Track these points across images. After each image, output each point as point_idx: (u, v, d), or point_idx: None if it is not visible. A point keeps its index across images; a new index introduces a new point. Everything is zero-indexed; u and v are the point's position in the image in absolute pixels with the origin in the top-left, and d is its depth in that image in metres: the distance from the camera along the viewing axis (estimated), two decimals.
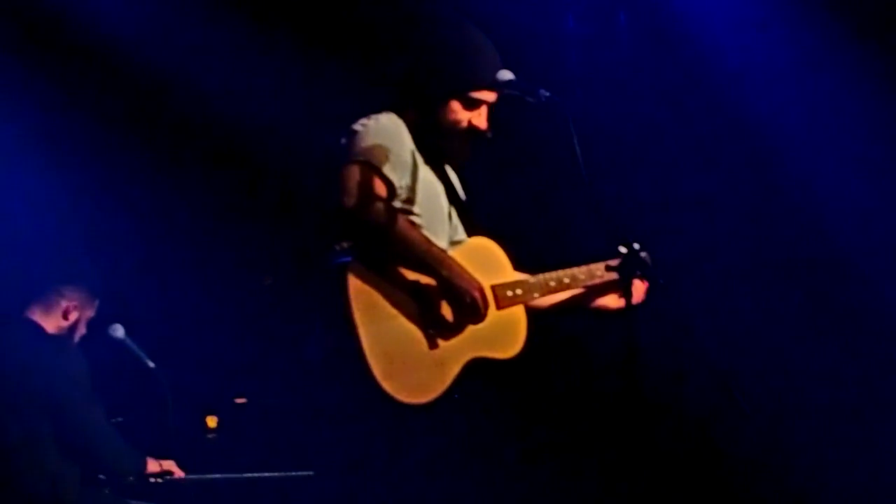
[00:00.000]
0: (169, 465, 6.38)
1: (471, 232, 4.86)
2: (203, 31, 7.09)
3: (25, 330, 6.02)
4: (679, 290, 4.62)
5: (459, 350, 4.56)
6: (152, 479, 6.31)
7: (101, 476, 6.07)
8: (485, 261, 4.73)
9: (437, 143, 4.74)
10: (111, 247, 6.97)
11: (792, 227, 7.12)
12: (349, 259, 4.45)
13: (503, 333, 4.68)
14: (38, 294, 6.10)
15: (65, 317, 6.09)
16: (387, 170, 4.53)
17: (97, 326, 6.32)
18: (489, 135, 4.77)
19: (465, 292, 4.53)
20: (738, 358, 6.42)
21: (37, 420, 5.87)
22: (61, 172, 6.99)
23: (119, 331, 6.52)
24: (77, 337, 6.16)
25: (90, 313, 6.20)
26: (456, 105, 4.71)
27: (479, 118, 4.74)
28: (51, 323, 6.08)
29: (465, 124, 4.72)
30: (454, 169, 4.91)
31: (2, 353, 5.96)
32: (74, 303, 6.10)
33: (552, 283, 4.83)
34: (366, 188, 4.45)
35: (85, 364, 5.99)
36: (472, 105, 4.72)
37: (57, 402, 5.87)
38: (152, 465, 6.30)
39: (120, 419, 6.27)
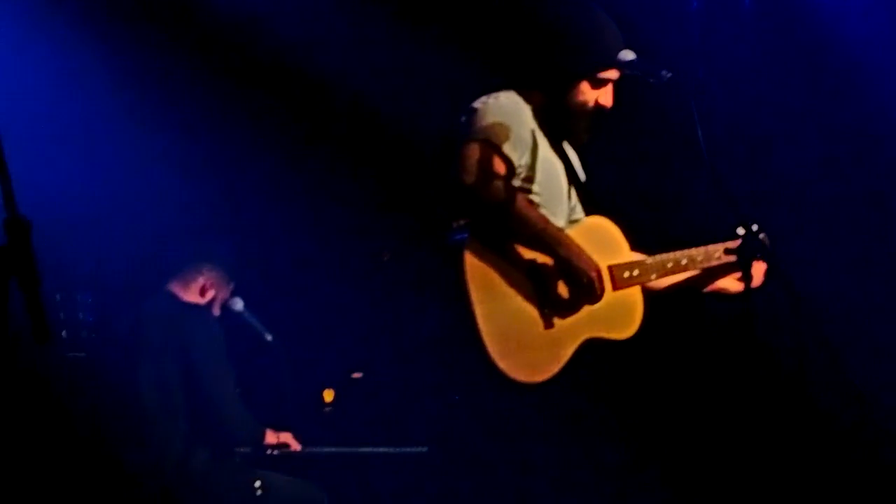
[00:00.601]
0: (286, 437, 6.45)
1: (589, 211, 4.84)
2: (324, 11, 7.13)
3: (166, 299, 6.16)
4: (799, 274, 4.56)
5: (575, 330, 4.55)
6: (269, 451, 6.39)
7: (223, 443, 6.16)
8: (602, 241, 4.71)
9: (563, 124, 4.73)
10: (231, 221, 7.05)
11: None
12: (466, 237, 4.45)
13: (619, 314, 4.66)
14: (179, 269, 6.25)
15: (202, 293, 6.23)
16: (507, 148, 4.53)
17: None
18: (608, 109, 4.75)
19: (583, 272, 4.52)
20: (858, 343, 6.32)
21: (173, 385, 6.00)
22: (188, 150, 7.08)
23: (238, 304, 6.61)
24: (216, 311, 6.30)
25: (225, 294, 6.33)
26: (585, 86, 4.70)
27: (606, 96, 4.72)
28: (189, 296, 6.21)
29: (592, 104, 4.71)
30: (573, 148, 4.89)
31: (142, 320, 6.10)
32: (212, 281, 6.24)
33: (669, 265, 4.80)
34: (485, 166, 4.45)
35: (220, 333, 6.12)
36: (599, 84, 4.70)
37: (191, 367, 5.99)
38: (270, 437, 6.39)
39: (239, 391, 6.36)
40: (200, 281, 6.24)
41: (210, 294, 6.25)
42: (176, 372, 6.01)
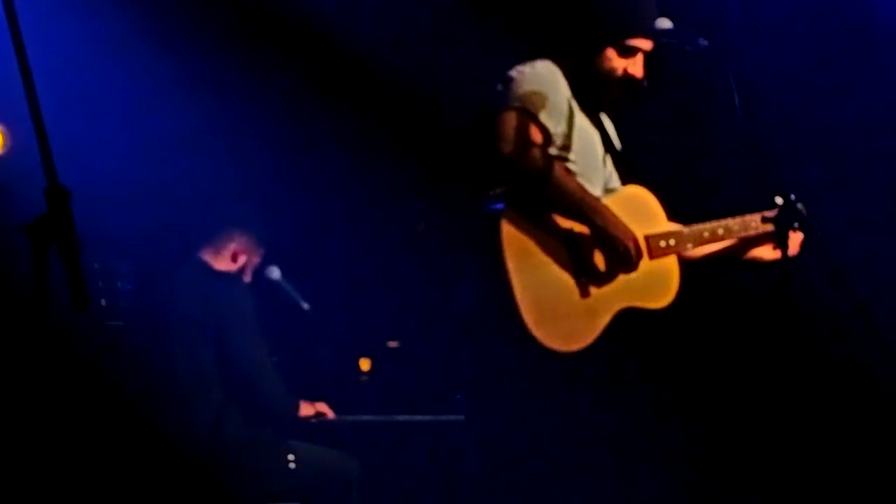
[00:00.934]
0: (321, 406, 6.47)
1: (626, 180, 4.84)
2: None
3: (198, 268, 6.17)
4: (835, 243, 4.54)
5: (611, 299, 4.55)
6: (307, 420, 6.40)
7: (257, 415, 6.17)
8: (639, 210, 4.71)
9: (592, 91, 4.72)
10: (269, 191, 7.07)
11: None
12: (503, 206, 4.46)
13: (655, 284, 4.66)
14: (210, 235, 6.25)
15: (233, 259, 6.23)
16: (543, 117, 4.53)
17: (255, 268, 6.43)
18: (645, 83, 4.74)
19: (619, 241, 4.52)
20: None
21: (205, 354, 6.01)
22: (230, 123, 7.10)
23: (275, 272, 6.62)
24: (248, 277, 6.30)
25: (256, 260, 6.32)
26: (611, 53, 4.68)
27: (635, 66, 4.70)
28: (220, 264, 6.22)
29: (620, 72, 4.69)
30: (610, 117, 4.88)
31: (175, 288, 6.12)
32: (243, 247, 6.24)
33: (706, 234, 4.80)
34: (522, 135, 4.45)
35: (252, 301, 6.12)
36: (627, 53, 4.68)
37: (223, 335, 6.00)
38: (306, 409, 6.39)
39: (275, 359, 6.38)
40: (231, 247, 6.24)
41: (242, 260, 6.25)
42: (208, 343, 6.01)
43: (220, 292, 6.07)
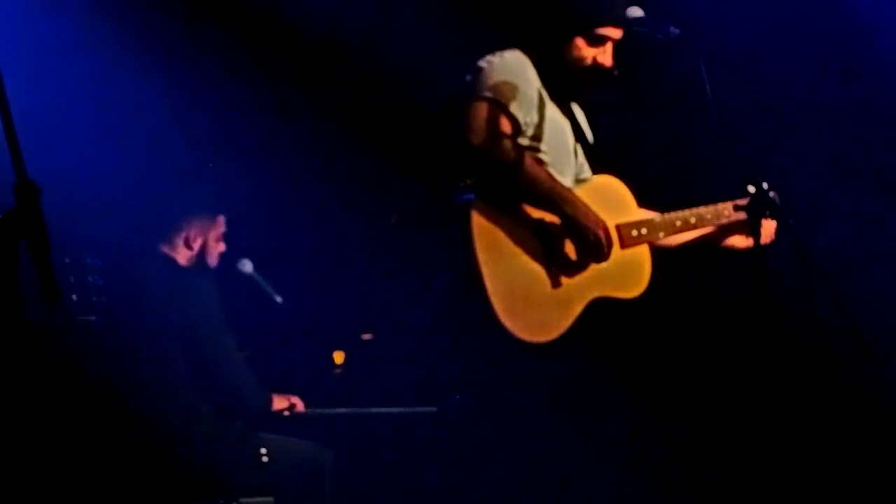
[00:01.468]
0: (293, 399, 6.45)
1: (597, 170, 4.83)
2: None
3: (161, 264, 6.13)
4: (808, 231, 4.55)
5: (583, 289, 4.55)
6: (281, 413, 6.38)
7: (229, 412, 6.14)
8: (610, 199, 4.71)
9: (562, 81, 4.71)
10: (239, 186, 7.04)
11: None
12: (473, 196, 4.45)
13: (627, 273, 4.66)
14: (162, 230, 6.21)
15: (188, 245, 6.18)
16: (513, 107, 4.52)
17: (227, 261, 6.40)
18: (615, 73, 4.73)
19: (590, 231, 4.52)
20: (869, 300, 6.31)
21: (171, 353, 5.97)
22: (184, 106, 7.07)
23: (248, 266, 6.59)
24: (212, 260, 6.23)
25: (217, 232, 6.25)
26: (580, 42, 4.67)
27: (604, 55, 4.70)
28: (181, 255, 6.18)
29: (589, 61, 4.69)
30: (581, 107, 4.88)
31: (141, 284, 6.08)
32: (193, 229, 6.19)
33: (678, 223, 4.80)
34: (492, 125, 4.44)
35: (217, 297, 6.07)
36: (597, 42, 4.68)
37: (188, 333, 5.96)
38: (279, 402, 6.37)
39: (248, 353, 6.35)
40: (183, 235, 6.19)
41: (198, 242, 6.19)
42: (175, 339, 5.97)
43: (186, 288, 6.03)
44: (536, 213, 4.51)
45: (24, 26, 6.57)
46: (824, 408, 6.93)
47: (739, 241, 4.93)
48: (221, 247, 6.29)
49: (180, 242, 6.18)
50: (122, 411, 5.96)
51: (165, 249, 6.17)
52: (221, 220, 6.26)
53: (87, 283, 6.17)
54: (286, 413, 6.39)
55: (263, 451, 6.11)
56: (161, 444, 5.93)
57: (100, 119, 6.93)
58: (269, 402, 6.30)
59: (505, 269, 4.41)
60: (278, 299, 6.67)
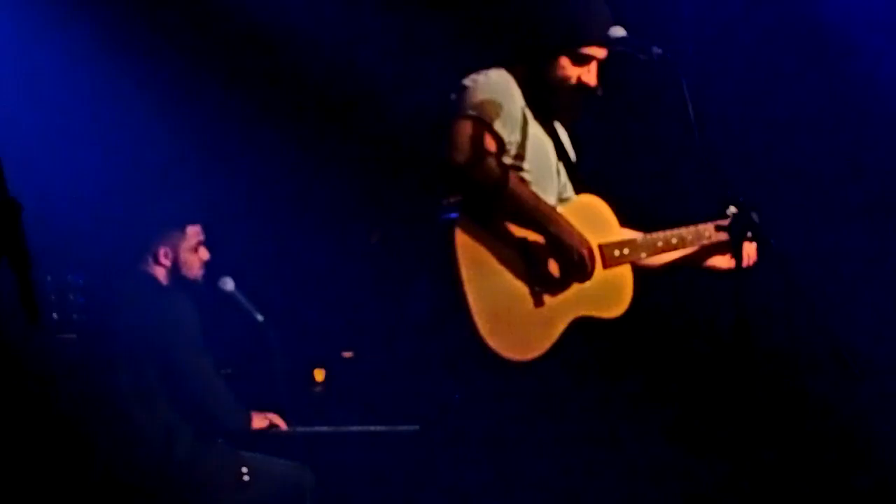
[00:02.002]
0: (273, 417, 6.43)
1: (580, 189, 4.84)
2: None
3: (140, 281, 6.12)
4: (790, 252, 4.55)
5: (565, 308, 4.55)
6: (261, 432, 6.37)
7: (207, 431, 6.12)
8: (593, 219, 4.71)
9: (546, 100, 4.71)
10: (220, 202, 7.03)
11: None
12: (457, 214, 4.45)
13: (609, 293, 4.67)
14: (139, 249, 6.20)
15: (160, 261, 6.16)
16: (497, 125, 4.53)
17: (209, 278, 6.38)
18: (599, 92, 4.74)
19: (573, 250, 4.52)
20: (850, 321, 6.32)
21: (150, 372, 5.95)
22: (165, 124, 7.06)
23: (229, 284, 6.57)
24: (193, 272, 6.20)
25: (189, 243, 6.22)
26: (565, 61, 4.68)
27: (589, 75, 4.70)
28: (158, 271, 6.17)
29: (574, 81, 4.69)
30: (564, 126, 4.88)
31: (119, 303, 6.06)
32: (162, 246, 6.17)
33: (660, 244, 4.80)
34: (476, 143, 4.45)
35: (196, 315, 6.06)
36: (581, 61, 4.68)
37: (167, 352, 5.95)
38: (258, 421, 6.35)
39: (229, 371, 6.33)
40: (153, 250, 6.18)
41: (169, 255, 6.18)
42: (154, 359, 5.95)
43: (164, 306, 6.01)
44: (520, 232, 4.51)
45: (4, 46, 6.57)
46: (803, 426, 6.94)
47: (721, 261, 4.94)
48: (203, 255, 6.27)
49: (153, 260, 6.17)
50: (101, 430, 5.94)
51: (145, 267, 6.16)
52: (193, 230, 6.24)
53: (68, 301, 6.15)
54: (269, 430, 6.37)
55: (244, 470, 6.09)
56: (141, 463, 5.90)
57: (82, 137, 6.91)
58: (247, 420, 6.28)
59: (488, 287, 4.41)
60: (259, 317, 6.66)
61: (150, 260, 6.17)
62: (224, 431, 6.14)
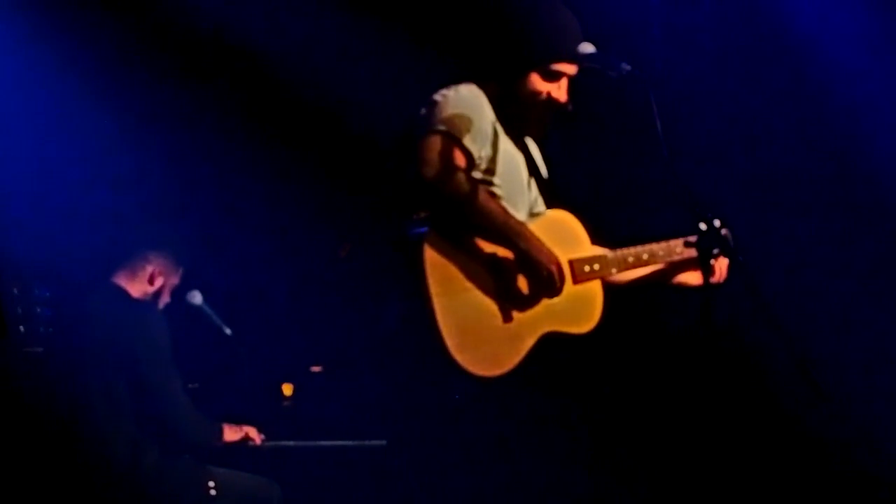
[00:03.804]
0: (248, 430, 6.41)
1: (550, 205, 4.83)
2: (281, 6, 7.11)
3: (111, 294, 6.09)
4: (759, 268, 4.56)
5: (534, 324, 4.54)
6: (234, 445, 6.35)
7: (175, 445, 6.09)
8: (563, 234, 4.70)
9: (517, 115, 4.71)
10: (190, 215, 7.02)
11: (881, 213, 6.99)
12: (426, 230, 4.44)
13: (579, 308, 4.66)
14: (125, 259, 6.17)
15: (150, 282, 6.15)
16: (467, 140, 4.52)
17: (176, 292, 6.37)
18: (569, 108, 4.74)
19: (542, 265, 4.51)
20: (818, 338, 6.34)
21: (118, 385, 5.93)
22: (146, 142, 7.05)
23: (197, 297, 6.56)
24: (162, 304, 6.22)
25: (175, 280, 6.25)
26: (535, 77, 4.68)
27: (559, 91, 4.70)
28: (136, 288, 6.14)
29: (544, 97, 4.69)
30: (535, 142, 4.88)
31: (87, 317, 6.03)
32: (160, 269, 6.16)
33: (630, 259, 4.80)
34: (446, 158, 4.44)
35: (167, 332, 6.04)
36: (552, 77, 4.69)
37: (135, 367, 5.92)
38: (230, 433, 6.32)
39: (197, 385, 6.31)
40: (148, 269, 6.15)
41: (159, 282, 6.18)
42: (120, 373, 5.92)
43: (132, 322, 5.99)
44: (489, 247, 4.50)
45: None
46: (769, 444, 6.96)
47: (691, 277, 4.94)
48: (173, 283, 6.28)
49: (143, 276, 6.15)
50: (67, 444, 5.91)
51: (118, 280, 6.12)
52: (181, 272, 6.26)
53: (35, 314, 6.12)
54: (246, 443, 6.35)
55: (211, 484, 6.07)
56: (107, 476, 5.88)
57: (51, 149, 6.89)
58: (217, 434, 6.26)
59: (457, 302, 4.40)
60: (227, 331, 6.64)
61: (137, 274, 6.14)
62: (189, 446, 6.11)
